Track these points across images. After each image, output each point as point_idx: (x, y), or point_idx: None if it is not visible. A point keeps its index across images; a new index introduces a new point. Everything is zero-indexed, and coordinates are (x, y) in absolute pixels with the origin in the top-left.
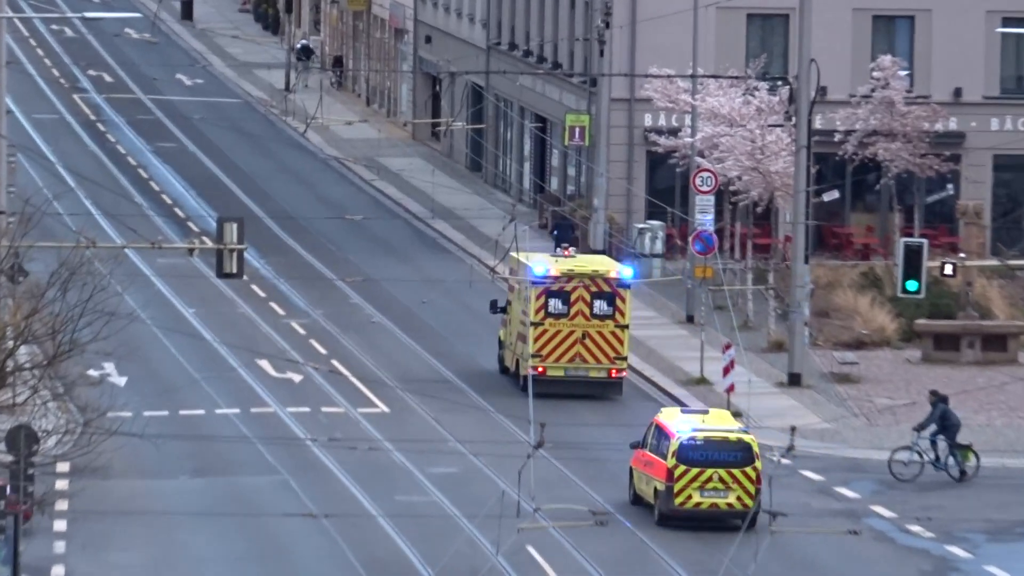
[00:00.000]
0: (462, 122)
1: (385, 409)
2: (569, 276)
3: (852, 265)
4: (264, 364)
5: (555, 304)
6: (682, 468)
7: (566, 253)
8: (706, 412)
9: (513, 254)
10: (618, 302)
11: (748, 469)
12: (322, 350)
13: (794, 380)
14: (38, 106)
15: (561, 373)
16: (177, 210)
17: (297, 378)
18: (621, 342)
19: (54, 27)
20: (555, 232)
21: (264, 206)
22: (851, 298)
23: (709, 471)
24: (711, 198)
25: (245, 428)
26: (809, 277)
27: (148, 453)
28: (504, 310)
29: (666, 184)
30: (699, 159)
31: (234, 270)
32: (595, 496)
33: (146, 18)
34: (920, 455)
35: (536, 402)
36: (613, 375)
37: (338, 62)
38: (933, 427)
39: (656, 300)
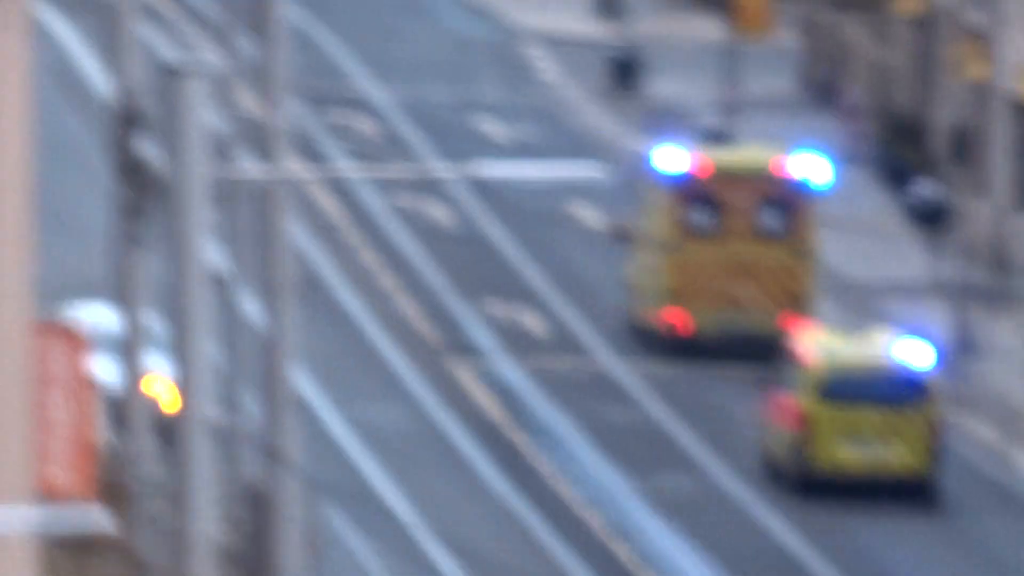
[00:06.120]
0: None
1: None
2: (725, 176)
3: None
4: None
5: (698, 216)
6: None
7: None
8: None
9: None
10: (796, 216)
11: (917, 415)
12: None
13: None
14: None
15: (709, 322)
16: None
17: None
18: (797, 277)
19: None
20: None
21: None
22: None
23: (861, 413)
24: None
25: None
26: None
27: None
28: (626, 236)
29: None
30: None
31: None
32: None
33: None
34: None
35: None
36: (783, 324)
37: None
38: None
39: None
